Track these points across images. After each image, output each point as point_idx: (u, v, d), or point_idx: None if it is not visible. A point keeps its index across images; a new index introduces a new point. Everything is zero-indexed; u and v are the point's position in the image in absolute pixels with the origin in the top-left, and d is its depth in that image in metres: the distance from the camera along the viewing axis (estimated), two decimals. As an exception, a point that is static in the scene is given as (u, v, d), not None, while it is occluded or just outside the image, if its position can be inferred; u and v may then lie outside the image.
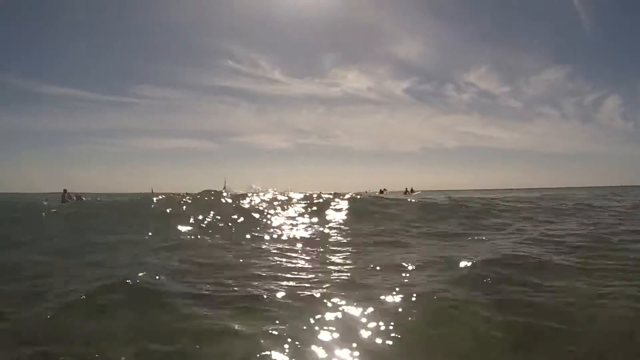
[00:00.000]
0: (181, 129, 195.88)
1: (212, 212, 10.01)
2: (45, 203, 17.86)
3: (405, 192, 38.61)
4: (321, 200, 12.94)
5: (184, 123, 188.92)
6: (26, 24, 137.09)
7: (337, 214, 10.75)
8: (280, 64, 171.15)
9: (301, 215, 10.78)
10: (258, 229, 8.57)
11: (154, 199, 12.52)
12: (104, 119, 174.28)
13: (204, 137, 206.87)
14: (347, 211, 11.08)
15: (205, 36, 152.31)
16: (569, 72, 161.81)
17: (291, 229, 8.78)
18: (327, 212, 11.03)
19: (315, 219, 10.13)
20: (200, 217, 9.57)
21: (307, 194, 14.21)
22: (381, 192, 36.93)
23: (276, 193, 15.35)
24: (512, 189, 69.08)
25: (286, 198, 13.22)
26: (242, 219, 9.81)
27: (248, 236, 7.55)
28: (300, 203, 12.48)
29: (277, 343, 2.74)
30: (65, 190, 30.29)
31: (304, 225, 9.29)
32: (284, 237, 7.53)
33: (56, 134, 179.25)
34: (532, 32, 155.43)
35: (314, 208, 11.54)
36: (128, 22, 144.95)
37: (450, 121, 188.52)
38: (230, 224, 9.13)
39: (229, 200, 12.54)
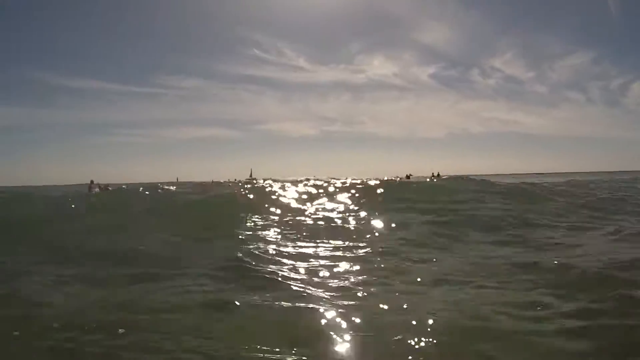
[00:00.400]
0: (207, 118, 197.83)
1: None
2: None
3: (432, 177, 37.90)
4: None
5: (209, 112, 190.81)
6: (55, 19, 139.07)
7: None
8: (306, 51, 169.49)
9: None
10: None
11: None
12: (132, 110, 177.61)
13: (229, 125, 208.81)
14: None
15: (231, 26, 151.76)
16: (595, 56, 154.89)
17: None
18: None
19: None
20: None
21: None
22: (407, 177, 36.30)
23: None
24: (539, 174, 67.30)
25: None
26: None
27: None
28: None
29: None
30: (92, 181, 30.78)
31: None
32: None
33: (84, 126, 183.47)
34: (559, 16, 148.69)
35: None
36: (153, 14, 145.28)
37: (475, 107, 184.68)
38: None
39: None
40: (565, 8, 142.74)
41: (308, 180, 18.26)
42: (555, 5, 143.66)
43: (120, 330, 2.96)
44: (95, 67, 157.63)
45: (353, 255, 5.64)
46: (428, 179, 35.65)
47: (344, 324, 3.03)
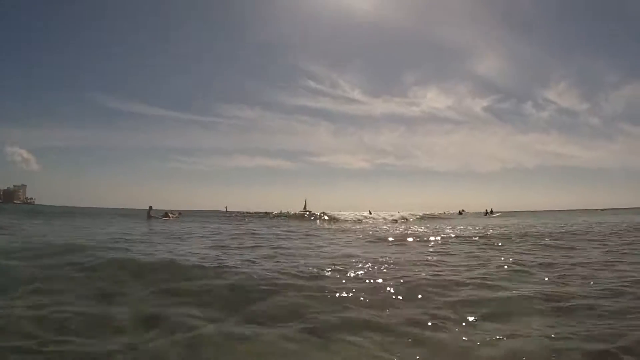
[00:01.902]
0: (261, 147, 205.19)
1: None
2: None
3: (486, 213, 37.17)
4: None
5: (263, 142, 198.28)
6: (113, 45, 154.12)
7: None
8: (360, 83, 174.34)
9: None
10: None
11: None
12: (188, 137, 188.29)
13: (282, 156, 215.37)
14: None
15: (286, 56, 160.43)
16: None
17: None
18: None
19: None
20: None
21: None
22: (460, 213, 35.88)
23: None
24: (597, 210, 63.38)
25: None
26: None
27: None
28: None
29: None
30: (150, 207, 33.18)
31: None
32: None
33: (142, 151, 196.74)
34: (614, 44, 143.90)
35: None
36: (211, 43, 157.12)
37: (529, 140, 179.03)
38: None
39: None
40: (621, 36, 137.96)
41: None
42: (610, 34, 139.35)
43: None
44: (151, 94, 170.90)
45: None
46: (483, 215, 35.11)
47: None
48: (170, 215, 31.74)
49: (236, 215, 40.68)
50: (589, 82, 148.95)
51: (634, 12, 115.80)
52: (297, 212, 50.36)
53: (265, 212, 52.22)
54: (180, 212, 36.38)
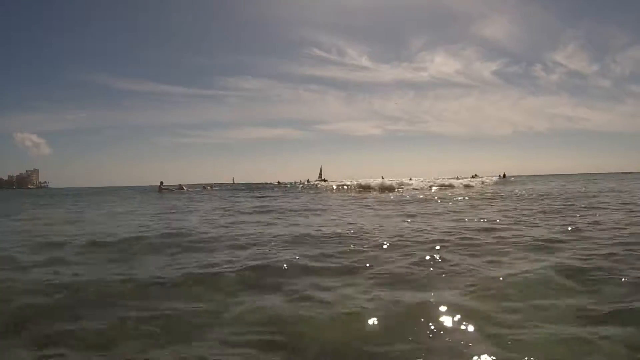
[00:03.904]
0: (270, 118, 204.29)
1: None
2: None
3: (500, 177, 37.08)
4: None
5: (272, 113, 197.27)
6: (117, 25, 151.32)
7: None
8: (367, 50, 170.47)
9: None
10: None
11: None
12: (196, 112, 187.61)
13: (293, 125, 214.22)
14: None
15: (292, 26, 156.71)
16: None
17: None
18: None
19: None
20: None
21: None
22: (473, 177, 35.80)
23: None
24: (611, 173, 62.77)
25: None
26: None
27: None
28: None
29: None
30: (161, 182, 34.31)
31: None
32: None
33: (149, 128, 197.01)
34: (622, 5, 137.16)
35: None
36: (214, 17, 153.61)
37: (540, 103, 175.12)
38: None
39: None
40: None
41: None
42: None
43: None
44: (156, 72, 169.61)
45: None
46: (499, 179, 35.04)
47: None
48: (183, 187, 32.83)
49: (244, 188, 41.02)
50: (597, 44, 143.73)
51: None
52: (314, 180, 50.29)
53: (278, 182, 52.52)
54: (211, 186, 38.33)
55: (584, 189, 18.66)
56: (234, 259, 4.36)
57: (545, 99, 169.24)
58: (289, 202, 14.98)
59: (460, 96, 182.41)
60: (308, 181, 51.07)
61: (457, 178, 33.19)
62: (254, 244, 5.30)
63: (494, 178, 35.15)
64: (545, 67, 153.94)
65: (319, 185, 35.23)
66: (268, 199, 18.53)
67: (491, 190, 20.18)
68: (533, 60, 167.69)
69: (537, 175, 55.06)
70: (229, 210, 11.99)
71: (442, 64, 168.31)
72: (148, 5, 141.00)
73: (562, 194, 14.80)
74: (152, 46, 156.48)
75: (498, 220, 7.20)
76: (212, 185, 39.58)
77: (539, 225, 6.51)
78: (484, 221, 7.15)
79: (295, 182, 49.37)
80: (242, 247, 5.10)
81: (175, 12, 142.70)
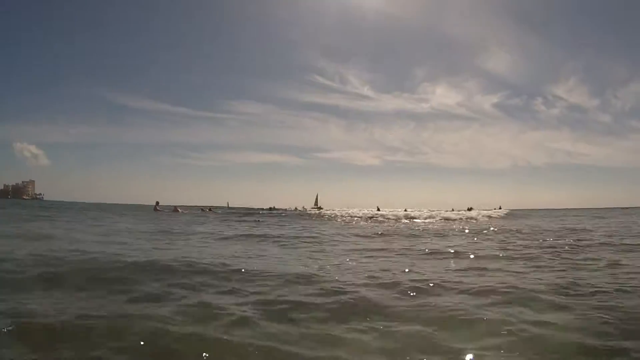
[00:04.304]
0: (270, 143, 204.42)
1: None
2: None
3: (495, 210, 36.87)
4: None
5: (272, 138, 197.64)
6: (121, 41, 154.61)
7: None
8: (369, 79, 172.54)
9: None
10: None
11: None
12: (195, 133, 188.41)
13: (292, 152, 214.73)
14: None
15: (295, 52, 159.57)
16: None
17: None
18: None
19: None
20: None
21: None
22: (469, 210, 35.57)
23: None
24: (610, 208, 62.35)
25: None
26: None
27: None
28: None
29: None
30: (157, 202, 33.91)
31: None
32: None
33: (147, 147, 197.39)
34: (622, 41, 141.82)
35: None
36: (217, 38, 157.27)
37: (539, 137, 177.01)
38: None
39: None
40: (629, 32, 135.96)
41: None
42: (619, 30, 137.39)
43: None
44: (159, 90, 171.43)
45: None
46: (492, 211, 34.78)
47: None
48: (178, 209, 32.22)
49: (243, 212, 40.60)
50: (597, 78, 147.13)
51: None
52: (309, 208, 50.16)
53: (271, 208, 52.02)
54: (210, 208, 38.19)
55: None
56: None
57: (545, 132, 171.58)
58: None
59: (460, 128, 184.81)
60: (303, 208, 50.81)
61: (452, 210, 32.96)
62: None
63: (499, 211, 34.74)
64: (545, 101, 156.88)
65: (321, 213, 34.87)
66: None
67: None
68: (534, 93, 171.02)
69: (533, 209, 54.75)
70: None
71: (443, 95, 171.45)
72: (154, 23, 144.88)
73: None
74: (157, 65, 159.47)
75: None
76: (210, 208, 38.80)
77: None
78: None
79: (288, 209, 48.89)
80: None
81: (182, 29, 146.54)
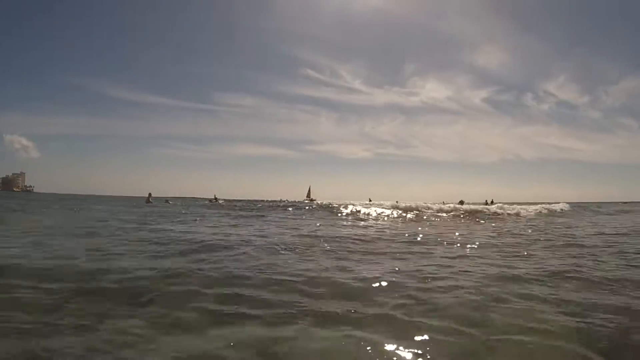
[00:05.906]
0: (262, 136, 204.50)
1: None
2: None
3: (485, 203, 37.16)
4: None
5: (265, 131, 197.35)
6: (114, 33, 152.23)
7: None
8: (360, 73, 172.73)
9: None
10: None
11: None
12: (189, 125, 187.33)
13: (284, 145, 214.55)
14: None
15: (287, 45, 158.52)
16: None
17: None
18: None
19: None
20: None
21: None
22: (460, 203, 35.84)
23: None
24: (597, 202, 62.98)
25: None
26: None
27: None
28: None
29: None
30: (149, 194, 33.99)
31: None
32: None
33: (142, 138, 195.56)
34: (614, 39, 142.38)
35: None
36: (209, 31, 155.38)
37: (529, 132, 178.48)
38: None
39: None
40: (620, 30, 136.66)
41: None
42: (610, 29, 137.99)
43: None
44: (149, 82, 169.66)
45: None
46: (482, 206, 35.06)
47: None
48: (170, 202, 32.43)
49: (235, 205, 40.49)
50: (588, 75, 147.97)
51: (634, 5, 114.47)
52: (303, 200, 50.11)
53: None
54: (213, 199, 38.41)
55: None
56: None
57: (535, 128, 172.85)
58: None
59: (450, 122, 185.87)
60: (295, 201, 51.01)
61: (444, 203, 33.22)
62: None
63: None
64: (535, 97, 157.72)
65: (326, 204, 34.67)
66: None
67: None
68: (524, 89, 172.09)
69: (522, 203, 55.39)
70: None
71: (433, 89, 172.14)
72: (149, 15, 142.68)
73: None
74: (150, 57, 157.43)
75: None
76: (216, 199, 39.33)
77: None
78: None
79: (280, 200, 48.98)
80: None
81: (175, 22, 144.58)
